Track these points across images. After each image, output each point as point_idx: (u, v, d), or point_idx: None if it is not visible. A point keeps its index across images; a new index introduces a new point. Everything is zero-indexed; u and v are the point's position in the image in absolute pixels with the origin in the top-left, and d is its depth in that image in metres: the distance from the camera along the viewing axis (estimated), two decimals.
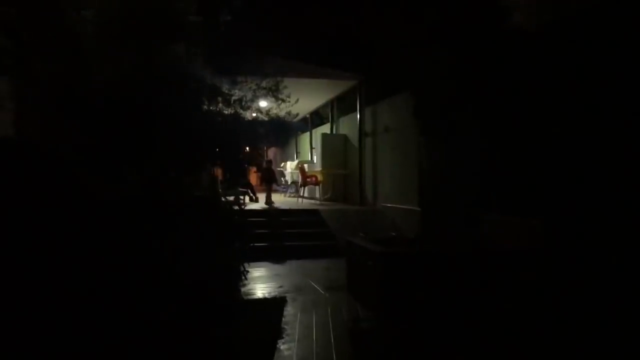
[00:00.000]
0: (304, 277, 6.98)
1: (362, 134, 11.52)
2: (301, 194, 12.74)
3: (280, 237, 8.96)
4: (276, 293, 6.04)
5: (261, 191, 13.15)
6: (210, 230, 6.77)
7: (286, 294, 5.93)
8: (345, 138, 13.13)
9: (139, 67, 5.77)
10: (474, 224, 6.54)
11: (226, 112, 7.45)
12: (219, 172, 12.87)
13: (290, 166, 16.04)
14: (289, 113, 7.63)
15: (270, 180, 12.03)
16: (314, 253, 8.54)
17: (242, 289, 6.26)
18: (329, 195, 12.77)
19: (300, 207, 10.75)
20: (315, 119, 17.47)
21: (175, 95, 6.73)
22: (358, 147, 11.58)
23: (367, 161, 11.35)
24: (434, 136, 8.10)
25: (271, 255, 8.35)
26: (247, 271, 6.77)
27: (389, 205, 9.93)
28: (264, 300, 5.79)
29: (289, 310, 5.25)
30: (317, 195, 13.02)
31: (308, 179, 12.56)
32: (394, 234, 6.05)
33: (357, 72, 11.29)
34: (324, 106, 15.09)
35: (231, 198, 6.73)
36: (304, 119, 17.63)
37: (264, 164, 12.58)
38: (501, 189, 6.28)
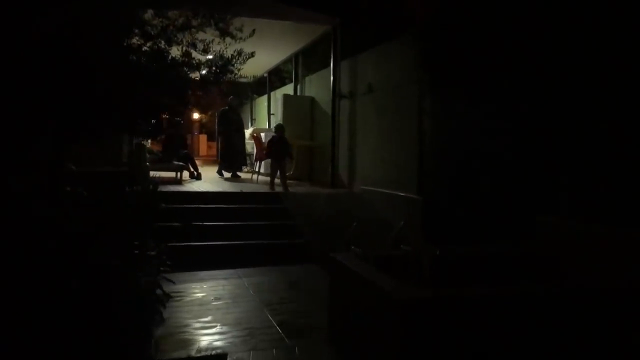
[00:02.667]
0: (258, 303, 4.68)
1: (336, 95, 9.17)
2: (256, 170, 10.31)
3: (228, 232, 6.59)
4: (211, 344, 3.71)
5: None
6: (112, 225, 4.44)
7: (228, 346, 3.63)
8: (312, 101, 10.75)
9: None
10: (523, 229, 4.39)
11: (144, 48, 5.07)
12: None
13: None
14: (238, 53, 5.21)
15: (283, 154, 8.45)
16: (273, 257, 6.24)
17: (156, 333, 3.95)
18: (291, 172, 10.40)
19: (255, 189, 8.36)
20: (275, 79, 14.94)
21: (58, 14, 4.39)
22: (331, 112, 9.24)
23: (342, 130, 9.04)
24: (450, 95, 5.87)
25: (213, 259, 6.00)
26: (170, 296, 4.42)
27: (371, 189, 7.69)
28: None
29: None
30: None
31: (265, 152, 10.14)
32: (404, 247, 3.80)
33: (332, 13, 8.83)
34: (285, 62, 12.59)
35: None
36: (261, 80, 15.08)
37: (274, 131, 8.92)
38: (581, 179, 4.11)
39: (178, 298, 4.83)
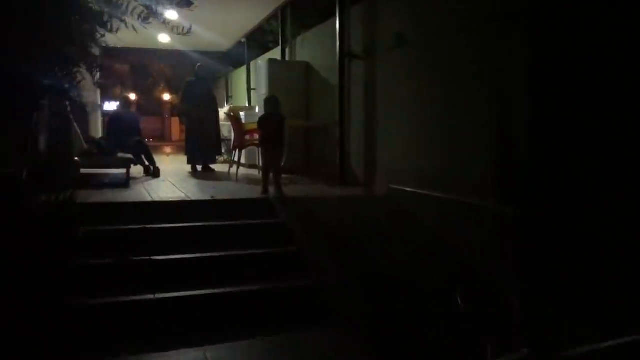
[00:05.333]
0: None
1: (344, 56, 6.63)
2: (236, 160, 7.74)
3: (192, 274, 4.10)
4: None
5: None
6: None
7: None
8: (307, 68, 8.19)
9: None
10: None
11: None
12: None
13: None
14: None
15: (280, 140, 5.79)
16: (268, 316, 3.76)
17: None
18: (282, 163, 7.86)
19: (234, 193, 5.84)
20: (255, 46, 12.27)
21: None
22: (336, 80, 6.69)
23: (355, 104, 6.54)
24: (569, 39, 3.34)
25: (166, 328, 3.52)
26: None
27: (408, 189, 5.22)
28: None
29: None
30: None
31: (247, 137, 7.59)
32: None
33: None
34: (269, 19, 9.93)
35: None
36: (238, 46, 12.42)
37: (265, 107, 5.91)
38: None
39: None
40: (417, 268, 4.14)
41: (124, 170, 6.48)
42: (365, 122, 6.29)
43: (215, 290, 3.87)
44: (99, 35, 3.27)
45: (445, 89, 4.75)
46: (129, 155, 6.59)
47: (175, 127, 26.89)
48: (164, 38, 12.05)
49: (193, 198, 5.23)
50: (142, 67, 26.42)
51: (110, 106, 26.95)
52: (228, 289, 3.89)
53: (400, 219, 4.95)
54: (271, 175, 5.75)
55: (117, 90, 29.35)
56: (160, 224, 4.58)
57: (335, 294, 3.96)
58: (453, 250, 4.25)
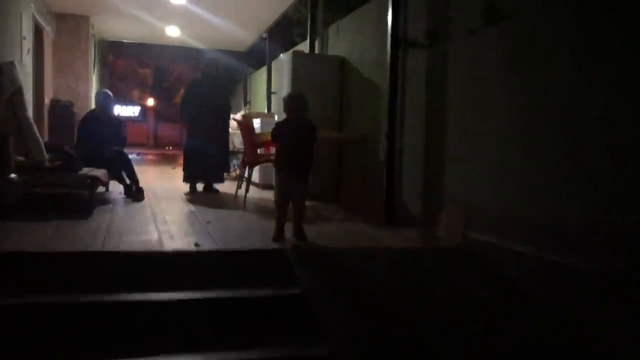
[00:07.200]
0: None
1: (398, 44, 4.79)
2: (245, 176, 5.94)
3: None
4: None
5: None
6: None
7: None
8: (342, 64, 6.40)
9: None
10: None
11: None
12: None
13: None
14: None
15: (306, 161, 3.89)
16: None
17: None
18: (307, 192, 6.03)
19: (234, 237, 4.08)
20: (278, 41, 10.53)
21: None
22: (386, 77, 4.85)
23: (412, 111, 4.72)
24: None
25: None
26: None
27: (497, 244, 3.33)
28: None
29: None
30: None
31: (260, 151, 5.82)
32: None
33: None
34: (296, 5, 8.19)
35: None
36: (259, 43, 10.75)
37: (285, 108, 3.93)
38: None
39: None
40: None
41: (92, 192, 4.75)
42: (427, 134, 4.44)
43: None
44: None
45: (574, 86, 2.89)
46: (95, 173, 4.82)
47: None
48: (172, 31, 10.45)
49: (167, 247, 3.43)
50: (160, 71, 25.04)
51: (123, 110, 25.57)
52: None
53: (498, 297, 3.05)
54: (290, 206, 3.94)
55: (135, 94, 28.08)
56: (103, 294, 2.80)
57: None
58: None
